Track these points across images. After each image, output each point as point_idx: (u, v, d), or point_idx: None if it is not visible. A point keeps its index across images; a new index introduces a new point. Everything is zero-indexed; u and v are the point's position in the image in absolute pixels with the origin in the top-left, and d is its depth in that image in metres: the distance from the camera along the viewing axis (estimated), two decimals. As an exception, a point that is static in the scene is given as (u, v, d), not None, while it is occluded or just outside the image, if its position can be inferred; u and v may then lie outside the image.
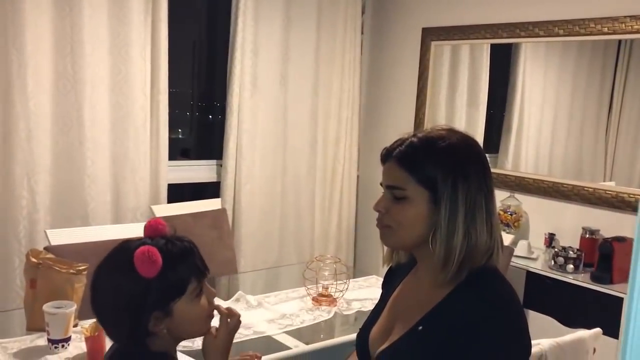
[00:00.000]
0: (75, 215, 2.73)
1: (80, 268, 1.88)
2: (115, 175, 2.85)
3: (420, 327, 1.12)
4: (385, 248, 1.24)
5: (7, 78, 2.52)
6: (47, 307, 1.72)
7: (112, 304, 1.10)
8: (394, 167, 1.14)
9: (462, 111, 3.52)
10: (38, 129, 2.60)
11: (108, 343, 1.74)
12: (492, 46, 3.32)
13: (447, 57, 3.51)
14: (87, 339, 1.67)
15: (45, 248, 2.20)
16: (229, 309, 1.23)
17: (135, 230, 2.56)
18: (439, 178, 1.10)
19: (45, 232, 2.40)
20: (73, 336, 1.77)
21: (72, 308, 1.74)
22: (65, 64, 2.65)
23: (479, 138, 3.39)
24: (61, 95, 2.66)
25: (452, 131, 1.17)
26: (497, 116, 3.40)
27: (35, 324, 1.81)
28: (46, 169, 2.65)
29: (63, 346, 1.72)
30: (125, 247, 1.12)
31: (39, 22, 2.56)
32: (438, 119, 3.54)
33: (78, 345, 1.74)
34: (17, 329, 1.91)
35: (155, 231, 1.15)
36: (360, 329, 1.32)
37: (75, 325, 1.81)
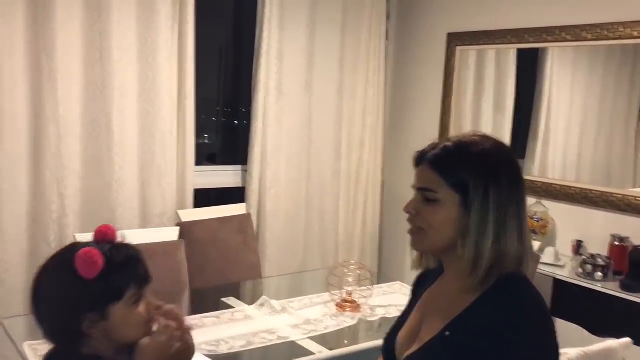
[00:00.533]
0: (104, 220, 2.77)
1: (108, 272, 1.91)
2: (142, 181, 2.89)
3: (447, 333, 1.12)
4: (415, 253, 1.24)
5: (38, 83, 2.57)
6: (75, 310, 1.74)
7: (50, 301, 1.12)
8: (426, 170, 1.16)
9: (488, 116, 3.49)
10: (68, 135, 2.65)
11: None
12: (519, 51, 3.28)
13: (473, 62, 3.48)
14: (114, 342, 1.69)
15: (74, 252, 2.24)
16: (176, 321, 1.18)
17: (162, 235, 2.63)
18: (471, 183, 1.11)
19: (74, 236, 2.44)
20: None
21: (100, 311, 1.77)
22: (94, 70, 2.70)
23: (506, 143, 3.35)
24: (90, 101, 2.71)
25: (485, 138, 1.18)
26: (523, 121, 3.36)
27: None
28: (75, 173, 2.70)
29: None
30: (70, 248, 1.14)
31: (69, 28, 2.61)
32: (463, 124, 3.52)
33: (105, 348, 1.76)
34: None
35: (104, 236, 1.17)
36: (387, 334, 1.32)
37: (103, 328, 1.84)
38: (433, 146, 1.18)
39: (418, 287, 1.34)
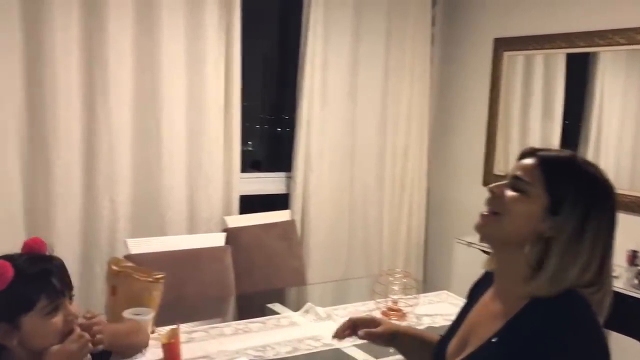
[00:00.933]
0: (153, 225, 2.84)
1: (158, 277, 1.95)
2: (190, 187, 2.95)
3: (495, 339, 1.10)
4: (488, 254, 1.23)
5: (91, 94, 2.66)
6: (126, 313, 1.78)
7: None
8: (532, 164, 1.14)
9: (537, 123, 3.42)
10: (119, 143, 2.73)
11: (184, 349, 1.80)
12: (568, 55, 3.21)
13: (520, 68, 3.42)
14: (163, 346, 1.72)
15: (125, 256, 2.30)
16: (86, 332, 1.23)
17: (209, 240, 2.67)
18: (570, 198, 1.09)
19: (125, 241, 2.51)
20: (150, 343, 1.83)
21: (150, 315, 1.81)
22: (144, 80, 2.78)
23: (554, 150, 3.27)
24: (140, 111, 2.79)
25: (591, 164, 1.17)
26: (573, 128, 3.28)
27: (115, 330, 1.89)
28: (126, 180, 2.77)
29: (141, 352, 1.79)
30: None
31: (121, 39, 2.69)
32: (511, 130, 3.46)
33: (155, 352, 1.80)
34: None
35: (30, 249, 1.23)
36: (437, 341, 1.31)
37: (153, 332, 1.88)
38: (546, 148, 1.17)
39: (474, 292, 1.32)
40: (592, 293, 1.10)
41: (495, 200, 1.14)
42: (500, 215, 1.13)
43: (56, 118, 2.56)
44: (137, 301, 1.87)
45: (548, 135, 3.35)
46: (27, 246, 1.25)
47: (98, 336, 1.26)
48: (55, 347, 1.19)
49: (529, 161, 1.15)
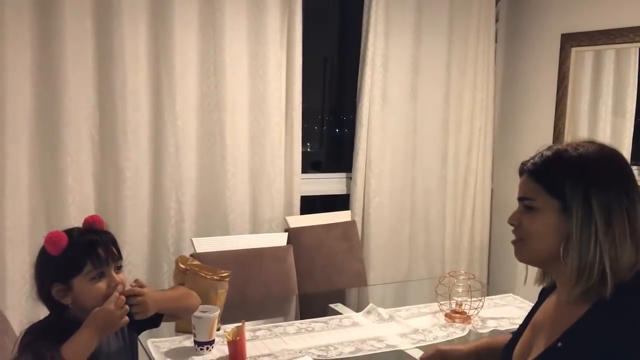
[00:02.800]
0: (217, 225, 2.90)
1: (224, 275, 2.00)
2: (252, 188, 3.00)
3: (560, 344, 1.08)
4: (537, 269, 1.24)
5: (159, 98, 2.75)
6: (194, 310, 1.83)
7: (33, 270, 1.43)
8: (526, 180, 1.16)
9: (606, 120, 3.28)
10: (185, 145, 2.80)
11: (249, 347, 1.84)
12: (642, 50, 3.07)
13: (589, 64, 3.30)
14: (229, 343, 1.76)
15: (191, 255, 2.37)
16: (133, 293, 1.43)
17: (271, 240, 2.71)
18: (568, 186, 1.08)
19: (191, 240, 2.58)
20: (216, 339, 1.87)
21: (216, 313, 1.85)
22: (209, 84, 2.84)
23: (626, 148, 3.14)
24: (205, 114, 2.86)
25: (590, 142, 1.15)
26: (647, 125, 3.13)
27: (182, 326, 1.94)
28: (192, 181, 2.85)
29: (208, 348, 1.83)
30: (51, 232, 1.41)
31: (186, 45, 2.76)
32: (579, 128, 3.33)
33: (221, 349, 1.84)
34: (165, 330, 2.05)
35: (87, 224, 1.45)
36: (504, 345, 1.30)
37: (218, 329, 1.92)
38: (534, 156, 1.18)
39: (542, 295, 1.31)
40: None
41: (517, 230, 1.18)
42: (524, 240, 1.16)
43: (126, 122, 2.66)
44: (204, 298, 1.91)
45: (619, 133, 3.21)
46: (85, 222, 1.47)
47: (139, 298, 1.42)
48: (97, 308, 1.37)
49: (522, 179, 1.18)
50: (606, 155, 1.13)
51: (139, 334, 1.64)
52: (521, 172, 1.19)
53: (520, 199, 1.18)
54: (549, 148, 1.18)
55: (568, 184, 1.09)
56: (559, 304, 1.16)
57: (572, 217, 1.08)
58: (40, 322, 1.44)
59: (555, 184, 1.11)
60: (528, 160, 1.18)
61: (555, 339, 1.10)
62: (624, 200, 1.07)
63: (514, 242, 1.19)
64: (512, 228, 1.19)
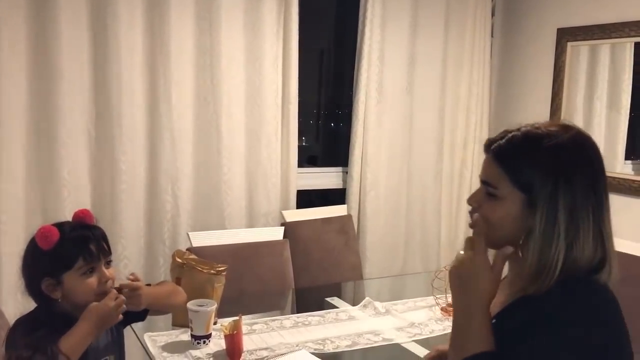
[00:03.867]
0: (213, 219, 2.90)
1: (220, 269, 2.00)
2: (249, 182, 2.99)
3: (494, 321, 1.07)
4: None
5: (155, 92, 2.73)
6: (190, 304, 1.83)
7: (22, 263, 1.43)
8: (490, 162, 1.08)
9: (602, 115, 3.29)
10: (181, 139, 2.79)
11: (246, 341, 1.84)
12: (637, 44, 3.07)
13: (585, 58, 3.30)
14: (226, 337, 1.76)
15: (188, 249, 2.36)
16: (124, 289, 1.45)
17: (267, 234, 2.71)
18: (537, 182, 1.01)
19: (187, 234, 2.57)
20: (213, 333, 1.88)
21: (213, 307, 1.85)
22: (205, 77, 2.83)
23: (621, 143, 3.15)
24: (201, 107, 2.85)
25: (564, 128, 1.07)
26: (642, 120, 3.14)
27: (179, 320, 1.94)
28: (188, 175, 2.84)
29: (205, 342, 1.84)
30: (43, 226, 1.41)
31: (182, 38, 2.75)
32: (575, 123, 3.33)
33: (218, 343, 1.84)
34: (162, 324, 2.05)
35: (78, 219, 1.45)
36: None
37: (215, 323, 1.92)
38: (502, 134, 1.09)
39: None
40: (607, 276, 1.03)
41: (475, 212, 1.11)
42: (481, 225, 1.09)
43: (121, 115, 2.64)
44: (200, 292, 1.92)
45: (614, 128, 3.22)
46: (76, 216, 1.47)
47: (136, 292, 1.45)
48: (95, 303, 1.37)
49: (487, 159, 1.09)
50: (579, 147, 1.05)
51: (124, 327, 1.65)
52: (486, 149, 1.09)
53: (482, 182, 1.09)
54: (518, 129, 1.08)
55: (537, 178, 1.01)
56: (509, 290, 1.11)
57: (536, 213, 1.01)
58: (28, 314, 1.44)
59: (523, 175, 1.03)
60: (495, 139, 1.09)
61: (493, 315, 1.08)
62: (591, 198, 1.02)
63: (470, 226, 1.12)
64: (469, 210, 1.12)
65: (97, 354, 1.47)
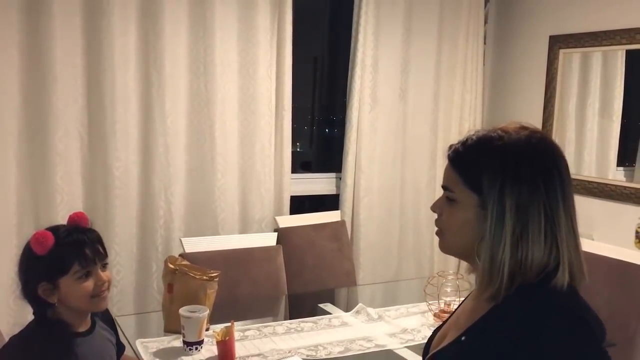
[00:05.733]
0: (206, 225, 2.89)
1: (213, 275, 2.00)
2: (242, 188, 2.99)
3: (463, 338, 1.07)
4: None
5: (148, 98, 2.73)
6: (183, 311, 1.83)
7: (17, 268, 1.42)
8: (447, 167, 1.10)
9: (594, 122, 3.32)
10: (174, 145, 2.80)
11: (238, 347, 1.84)
12: (628, 52, 3.10)
13: (577, 66, 3.33)
14: (218, 343, 1.76)
15: (180, 255, 2.36)
16: None
17: (261, 239, 2.71)
18: (485, 181, 1.01)
19: (180, 240, 2.57)
20: (205, 339, 1.87)
21: (206, 313, 1.85)
22: (199, 83, 2.84)
23: (613, 150, 3.17)
24: (195, 113, 2.85)
25: (522, 129, 1.06)
26: (633, 127, 3.17)
27: (171, 326, 1.94)
28: (181, 181, 2.84)
29: (197, 349, 1.83)
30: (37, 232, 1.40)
31: (176, 44, 2.75)
32: (567, 130, 3.36)
33: (210, 349, 1.84)
34: (154, 330, 2.05)
35: (73, 222, 1.45)
36: (430, 334, 1.29)
37: (207, 329, 1.92)
38: (462, 139, 1.10)
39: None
40: (561, 279, 1.01)
41: (438, 220, 1.12)
42: (444, 233, 1.11)
43: (115, 121, 2.64)
44: (193, 299, 1.92)
45: (606, 134, 3.25)
46: (71, 219, 1.46)
47: None
48: None
49: (446, 165, 1.10)
50: (532, 146, 1.03)
51: None
52: (448, 156, 1.11)
53: (442, 187, 1.10)
54: (476, 132, 1.08)
55: (485, 178, 1.01)
56: (476, 298, 1.12)
57: (487, 216, 1.01)
58: (21, 335, 1.42)
59: (474, 177, 1.03)
60: (454, 144, 1.10)
61: (461, 332, 1.08)
62: (542, 199, 1.00)
63: (437, 234, 1.13)
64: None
65: None
